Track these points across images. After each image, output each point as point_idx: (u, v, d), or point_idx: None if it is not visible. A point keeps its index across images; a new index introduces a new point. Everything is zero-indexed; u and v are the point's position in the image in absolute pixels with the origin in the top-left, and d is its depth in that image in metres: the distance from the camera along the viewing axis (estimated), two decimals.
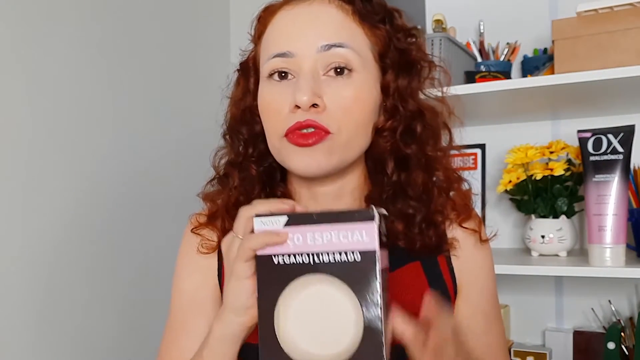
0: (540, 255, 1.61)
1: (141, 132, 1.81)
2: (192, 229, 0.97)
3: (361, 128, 0.84)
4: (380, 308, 0.65)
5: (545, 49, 1.78)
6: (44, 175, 1.49)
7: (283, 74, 0.84)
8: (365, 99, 0.84)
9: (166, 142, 1.90)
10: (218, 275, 0.95)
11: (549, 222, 1.59)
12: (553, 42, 1.48)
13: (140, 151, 1.80)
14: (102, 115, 1.67)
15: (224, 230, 0.91)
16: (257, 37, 0.91)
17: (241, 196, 0.92)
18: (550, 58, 1.68)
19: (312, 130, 0.81)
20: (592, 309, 1.75)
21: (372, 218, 0.66)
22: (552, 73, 1.50)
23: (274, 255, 0.68)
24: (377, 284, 0.65)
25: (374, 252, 0.65)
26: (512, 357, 1.69)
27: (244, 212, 0.73)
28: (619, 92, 1.48)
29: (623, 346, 1.58)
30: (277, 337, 0.67)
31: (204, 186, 0.98)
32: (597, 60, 1.39)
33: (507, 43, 1.81)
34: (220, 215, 0.93)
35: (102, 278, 1.65)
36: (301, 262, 0.67)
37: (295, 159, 0.83)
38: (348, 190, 0.92)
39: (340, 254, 0.66)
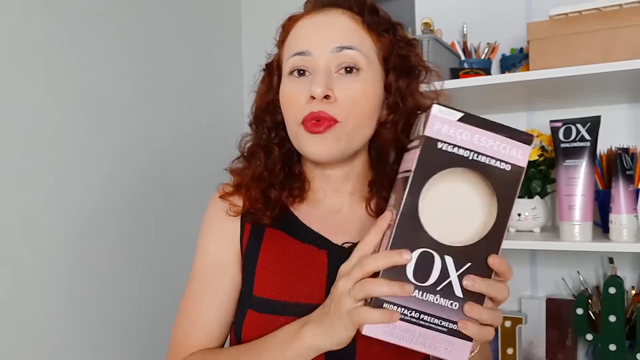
0: (517, 231, 1.61)
1: (160, 127, 1.81)
2: (221, 195, 0.98)
3: (366, 118, 0.88)
4: (511, 216, 0.68)
5: (522, 49, 1.78)
6: (75, 160, 1.49)
7: (301, 72, 0.88)
8: (370, 94, 0.87)
9: (185, 130, 1.91)
10: (240, 237, 0.96)
11: (525, 201, 1.59)
12: (528, 42, 1.48)
13: (164, 139, 1.80)
14: (129, 109, 1.67)
15: (249, 197, 0.94)
16: (281, 42, 0.96)
17: (265, 171, 0.95)
18: (526, 56, 1.69)
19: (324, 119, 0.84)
20: (563, 278, 1.77)
21: (531, 142, 0.69)
22: (528, 70, 1.51)
23: (440, 141, 0.68)
24: (516, 196, 0.68)
25: (523, 168, 0.68)
26: None
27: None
28: (586, 86, 1.49)
29: (590, 312, 1.60)
30: (418, 212, 0.68)
31: (230, 162, 1.00)
32: (568, 59, 1.40)
33: (488, 43, 1.81)
34: (246, 184, 0.95)
35: (128, 251, 1.65)
36: (461, 154, 0.68)
37: (309, 145, 0.86)
38: (354, 175, 0.95)
39: (495, 160, 0.68)
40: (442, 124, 0.68)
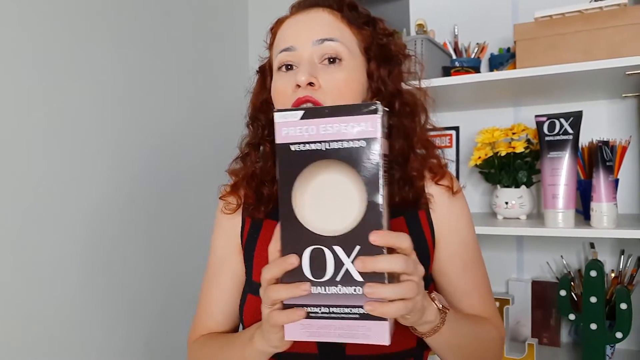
0: (504, 218, 1.63)
1: (166, 126, 1.79)
2: (221, 196, 1.04)
3: (350, 103, 0.88)
4: (382, 186, 0.65)
5: (509, 48, 1.79)
6: (82, 158, 1.47)
7: (289, 66, 0.91)
8: (353, 81, 0.89)
9: (194, 127, 1.90)
10: (241, 231, 1.02)
11: (512, 191, 1.61)
12: (515, 42, 1.48)
13: (172, 137, 1.79)
14: (134, 107, 1.66)
15: (244, 196, 1.00)
16: (270, 44, 0.99)
17: (257, 169, 0.98)
18: (513, 56, 1.70)
19: (310, 105, 0.86)
20: (547, 262, 1.79)
21: (376, 111, 0.64)
22: (514, 68, 1.52)
23: (291, 144, 0.67)
24: (380, 166, 0.65)
25: (377, 139, 0.64)
26: None
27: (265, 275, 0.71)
28: (569, 84, 1.50)
29: (573, 293, 1.63)
30: (295, 213, 0.67)
31: (230, 164, 1.04)
32: (552, 58, 1.41)
33: (477, 43, 1.82)
34: (241, 184, 1.00)
35: (133, 247, 1.64)
36: (315, 149, 0.66)
37: None
38: None
39: (348, 141, 0.65)
40: (288, 128, 0.67)
